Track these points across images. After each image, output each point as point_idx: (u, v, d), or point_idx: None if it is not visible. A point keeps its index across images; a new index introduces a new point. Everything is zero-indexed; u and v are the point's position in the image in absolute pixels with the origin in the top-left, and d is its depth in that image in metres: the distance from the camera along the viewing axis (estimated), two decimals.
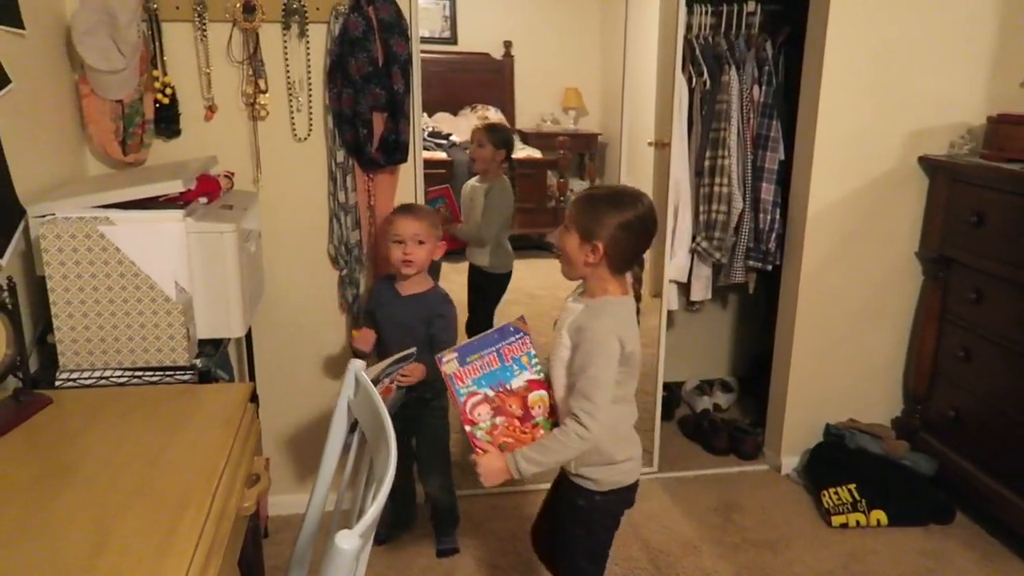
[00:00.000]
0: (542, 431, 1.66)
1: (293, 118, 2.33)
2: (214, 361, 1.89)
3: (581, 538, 1.73)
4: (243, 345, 2.44)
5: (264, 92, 2.28)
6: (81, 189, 1.89)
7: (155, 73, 2.22)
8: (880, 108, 2.70)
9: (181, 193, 1.87)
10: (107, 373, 1.74)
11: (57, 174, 2.06)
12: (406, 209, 2.24)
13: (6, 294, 1.49)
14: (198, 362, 1.80)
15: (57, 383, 1.71)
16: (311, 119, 2.34)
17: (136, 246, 1.72)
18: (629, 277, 1.75)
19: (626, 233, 1.58)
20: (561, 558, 1.81)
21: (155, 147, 2.29)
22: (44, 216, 1.72)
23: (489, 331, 1.68)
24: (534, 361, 1.67)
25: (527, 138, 7.24)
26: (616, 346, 1.57)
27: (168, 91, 2.23)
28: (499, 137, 3.23)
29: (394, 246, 2.19)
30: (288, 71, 2.29)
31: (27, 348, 1.64)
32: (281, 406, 2.56)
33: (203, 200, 2.01)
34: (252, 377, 2.43)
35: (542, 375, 1.68)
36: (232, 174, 2.22)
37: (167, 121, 2.26)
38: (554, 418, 1.68)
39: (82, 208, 1.74)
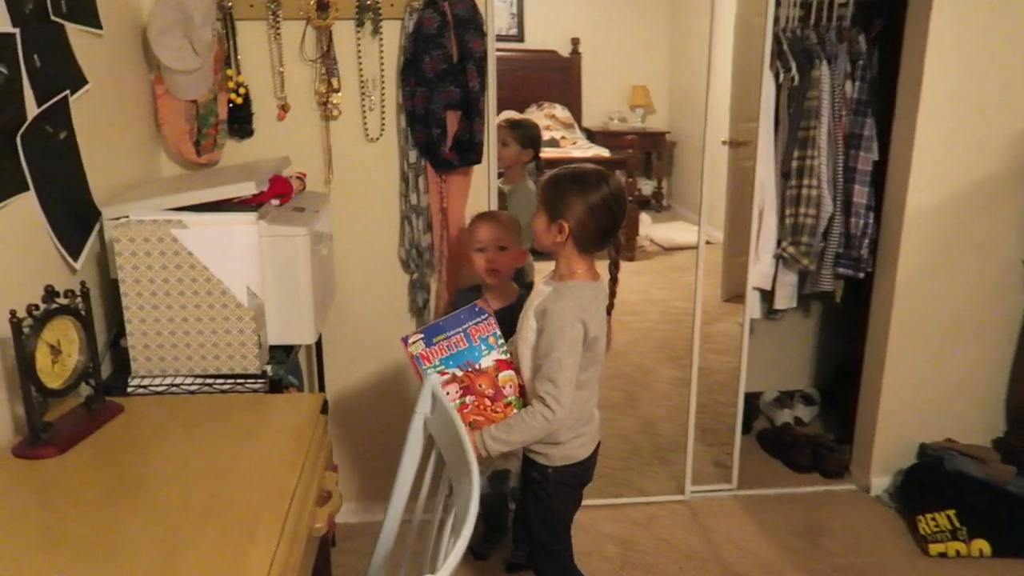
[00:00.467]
0: (514, 410, 1.69)
1: (365, 117, 2.27)
2: (285, 368, 1.83)
3: (537, 511, 1.81)
4: (313, 350, 2.39)
5: (337, 91, 2.23)
6: (155, 191, 1.87)
7: (229, 72, 2.19)
8: (984, 107, 2.50)
9: (254, 195, 1.82)
10: (178, 380, 1.70)
11: (132, 175, 2.04)
12: (486, 215, 2.17)
13: (79, 299, 1.45)
14: (268, 369, 1.75)
15: (129, 389, 1.68)
16: (383, 118, 2.28)
17: (208, 250, 1.68)
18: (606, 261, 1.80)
19: (591, 215, 1.61)
20: (524, 530, 1.91)
21: (228, 147, 2.26)
22: (118, 219, 1.69)
23: (456, 311, 1.71)
24: (500, 341, 1.71)
25: (593, 137, 7.11)
26: (579, 330, 1.61)
27: (242, 91, 2.20)
28: (524, 135, 2.79)
29: (476, 255, 2.10)
30: (361, 69, 2.24)
31: (99, 354, 1.61)
32: (350, 412, 2.51)
33: (275, 202, 1.97)
34: (322, 383, 2.39)
35: (508, 355, 1.72)
36: (304, 175, 2.17)
37: (240, 121, 2.23)
38: (525, 398, 1.71)
39: (155, 210, 1.71)
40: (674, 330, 4.47)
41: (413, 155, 2.26)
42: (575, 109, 7.28)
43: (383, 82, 2.25)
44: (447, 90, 2.15)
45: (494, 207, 2.40)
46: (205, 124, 2.18)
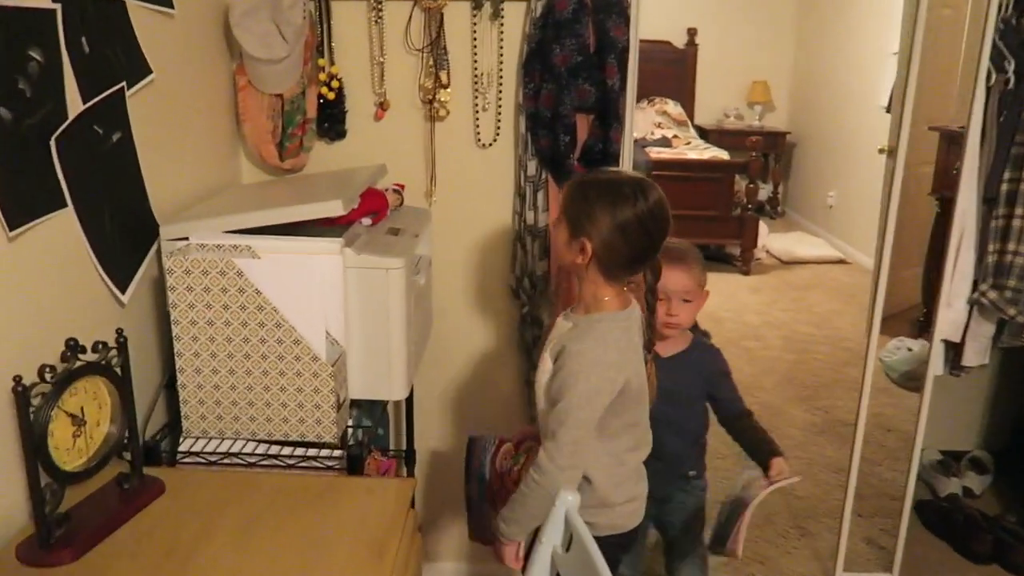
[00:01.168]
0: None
1: (478, 119, 1.90)
2: (368, 433, 1.48)
3: None
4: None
5: (445, 87, 1.85)
6: (222, 206, 1.54)
7: (321, 63, 1.85)
8: None
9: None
10: (237, 446, 1.37)
11: (207, 183, 1.73)
12: (674, 256, 1.64)
13: (114, 353, 1.13)
14: (349, 430, 1.40)
15: (179, 454, 1.36)
16: (499, 121, 1.89)
17: (280, 285, 1.34)
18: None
19: (621, 235, 1.31)
20: None
21: (315, 151, 1.93)
22: (177, 240, 1.37)
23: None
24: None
25: (706, 135, 6.56)
26: (599, 378, 1.31)
27: (335, 84, 1.85)
28: None
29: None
30: (475, 61, 1.86)
31: (139, 422, 1.29)
32: (443, 469, 2.15)
33: (367, 221, 1.62)
34: (410, 433, 2.03)
35: None
36: (402, 187, 1.82)
37: (331, 120, 1.89)
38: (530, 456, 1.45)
39: (220, 233, 1.38)
40: (800, 361, 3.95)
41: (532, 166, 1.87)
42: (687, 105, 6.74)
43: (501, 77, 1.86)
44: (580, 88, 1.75)
45: None
46: (291, 123, 1.85)
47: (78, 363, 1.06)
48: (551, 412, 1.32)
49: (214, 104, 1.78)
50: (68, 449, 1.08)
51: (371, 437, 1.72)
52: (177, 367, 1.35)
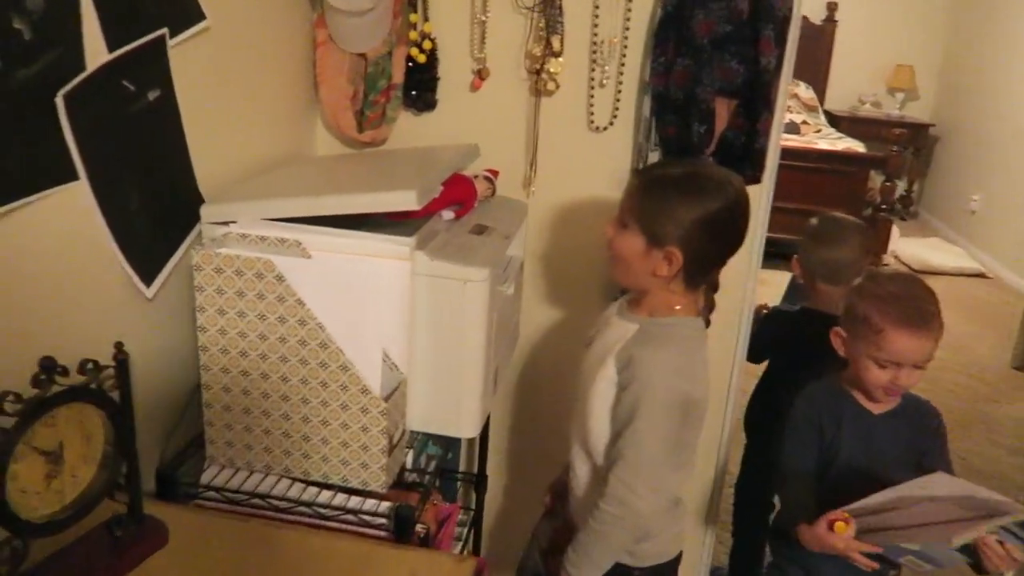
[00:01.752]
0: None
1: (592, 97, 1.57)
2: (427, 487, 1.21)
3: None
4: None
5: (557, 55, 1.53)
6: (273, 186, 1.28)
7: (413, 18, 1.56)
8: None
9: None
10: (266, 484, 1.13)
11: (274, 154, 1.48)
12: (917, 321, 1.29)
13: (105, 375, 0.88)
14: (410, 456, 1.13)
15: (199, 488, 1.12)
16: (618, 100, 1.56)
17: (330, 295, 1.07)
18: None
19: (709, 232, 1.14)
20: None
21: (400, 123, 1.65)
22: (219, 225, 1.12)
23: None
24: None
25: (837, 122, 5.95)
26: (680, 391, 1.15)
27: (427, 45, 1.56)
28: None
29: (877, 368, 1.32)
30: (596, 26, 1.53)
31: (161, 438, 1.06)
32: (519, 497, 1.87)
33: (448, 214, 1.33)
34: (483, 462, 1.75)
35: None
36: (495, 174, 1.52)
37: (420, 88, 1.60)
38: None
39: (268, 221, 1.12)
40: (929, 391, 3.44)
41: (655, 158, 1.53)
42: (819, 87, 6.14)
43: (625, 48, 1.52)
44: (725, 66, 1.39)
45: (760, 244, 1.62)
46: (373, 88, 1.58)
47: (56, 387, 0.82)
48: (624, 433, 1.15)
49: (286, 62, 1.52)
50: (39, 493, 0.85)
51: (440, 463, 1.47)
52: (203, 382, 1.11)
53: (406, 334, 1.14)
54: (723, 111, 1.45)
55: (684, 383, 1.16)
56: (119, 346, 0.90)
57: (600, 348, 1.23)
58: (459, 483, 1.78)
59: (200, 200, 1.22)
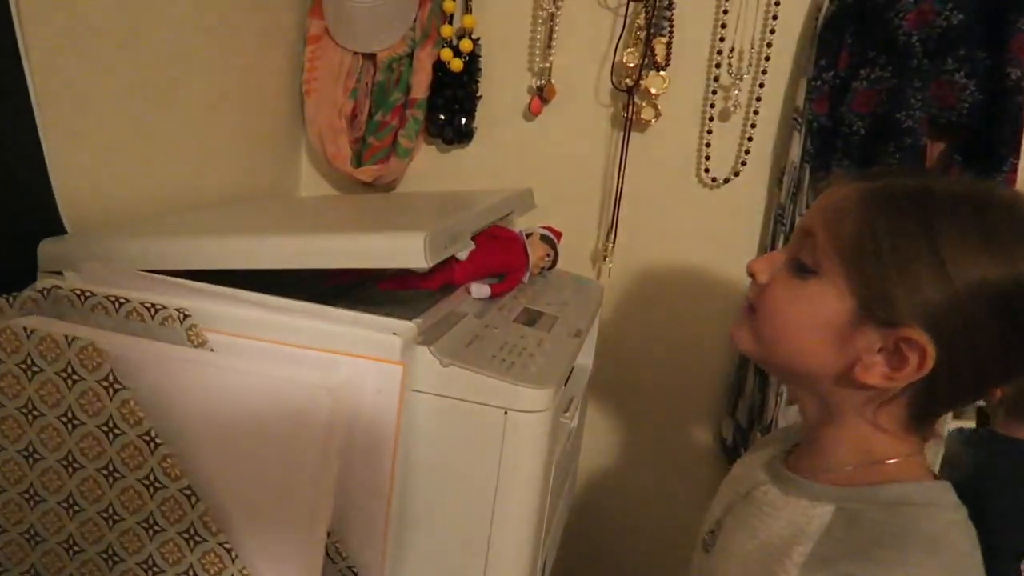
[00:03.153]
0: None
1: (709, 131, 1.04)
2: None
3: None
4: None
5: (661, 68, 1.02)
6: (186, 225, 0.75)
7: (448, 6, 1.07)
8: None
9: (435, 268, 0.66)
10: None
11: (232, 185, 0.97)
12: None
13: None
14: None
15: None
16: (749, 137, 1.03)
17: (242, 426, 0.52)
18: None
19: (1003, 316, 0.52)
20: None
21: (421, 158, 1.13)
22: (52, 274, 0.59)
23: None
24: None
25: None
26: None
27: (466, 47, 1.06)
28: None
29: None
30: (722, 25, 1.02)
31: None
32: None
33: (481, 289, 0.80)
34: None
35: None
36: (557, 235, 0.98)
37: (453, 108, 1.09)
38: None
39: (147, 274, 0.59)
40: None
41: None
42: None
43: (765, 57, 1.00)
44: (946, 79, 0.86)
45: None
46: (383, 104, 1.07)
47: None
48: None
49: (260, 60, 1.02)
50: None
51: None
52: None
53: (381, 501, 0.58)
54: (932, 153, 0.91)
55: None
56: None
57: (744, 558, 0.64)
58: None
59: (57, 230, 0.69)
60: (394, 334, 0.57)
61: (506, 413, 0.62)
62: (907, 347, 0.53)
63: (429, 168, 1.13)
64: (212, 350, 0.56)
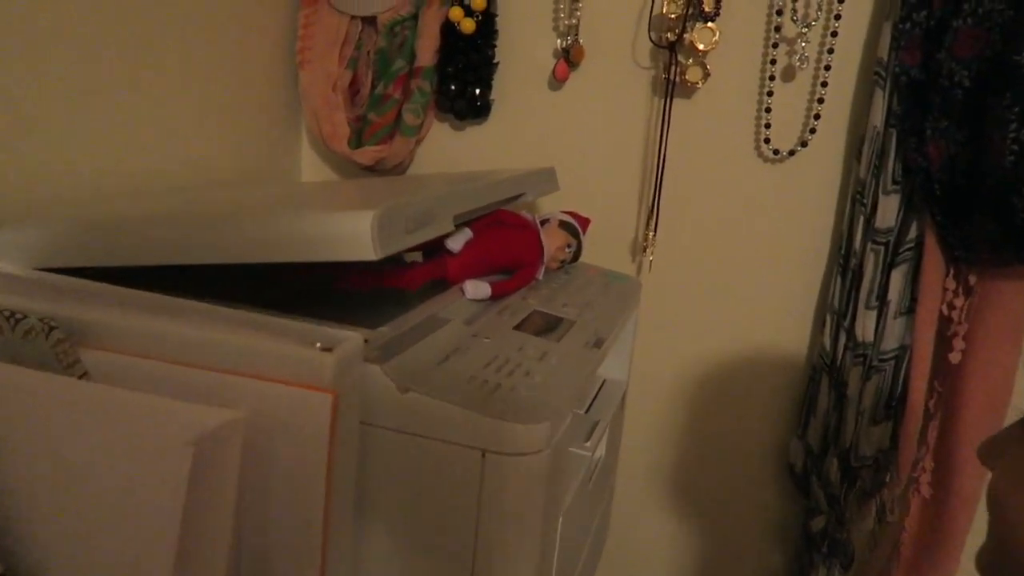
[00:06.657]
0: None
1: (770, 94, 0.86)
2: None
3: None
4: None
5: (710, 18, 0.84)
6: (108, 212, 0.62)
7: None
8: None
9: (428, 258, 0.52)
10: None
11: (220, 168, 0.85)
12: None
13: None
14: None
15: None
16: (820, 100, 0.85)
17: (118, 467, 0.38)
18: None
19: None
20: None
21: (432, 136, 0.99)
22: None
23: None
24: None
25: None
26: None
27: (479, 4, 0.91)
28: None
29: None
30: None
31: None
32: None
33: (478, 288, 0.64)
34: None
35: None
36: (583, 222, 0.82)
37: (465, 78, 0.94)
38: None
39: (41, 273, 0.46)
40: None
41: (889, 209, 0.79)
42: None
43: (841, 2, 0.82)
44: None
45: None
46: (384, 74, 0.93)
47: None
48: None
49: (248, 28, 0.89)
50: None
51: None
52: None
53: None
54: None
55: None
56: None
57: None
58: None
59: None
60: (324, 349, 0.42)
61: (483, 455, 0.46)
62: None
63: (441, 149, 0.98)
64: (86, 373, 0.43)
